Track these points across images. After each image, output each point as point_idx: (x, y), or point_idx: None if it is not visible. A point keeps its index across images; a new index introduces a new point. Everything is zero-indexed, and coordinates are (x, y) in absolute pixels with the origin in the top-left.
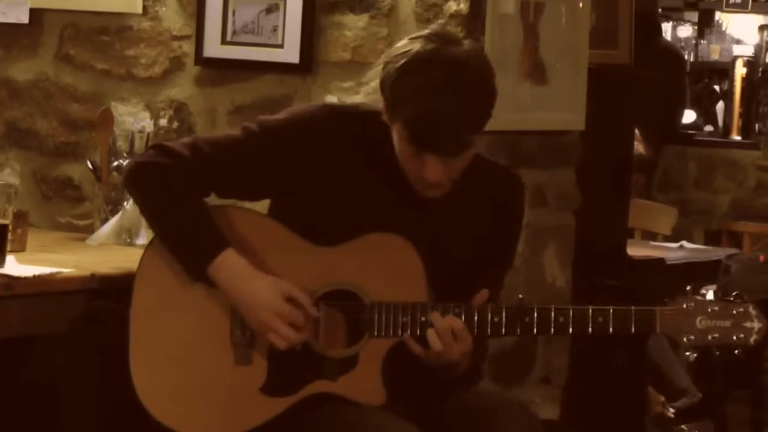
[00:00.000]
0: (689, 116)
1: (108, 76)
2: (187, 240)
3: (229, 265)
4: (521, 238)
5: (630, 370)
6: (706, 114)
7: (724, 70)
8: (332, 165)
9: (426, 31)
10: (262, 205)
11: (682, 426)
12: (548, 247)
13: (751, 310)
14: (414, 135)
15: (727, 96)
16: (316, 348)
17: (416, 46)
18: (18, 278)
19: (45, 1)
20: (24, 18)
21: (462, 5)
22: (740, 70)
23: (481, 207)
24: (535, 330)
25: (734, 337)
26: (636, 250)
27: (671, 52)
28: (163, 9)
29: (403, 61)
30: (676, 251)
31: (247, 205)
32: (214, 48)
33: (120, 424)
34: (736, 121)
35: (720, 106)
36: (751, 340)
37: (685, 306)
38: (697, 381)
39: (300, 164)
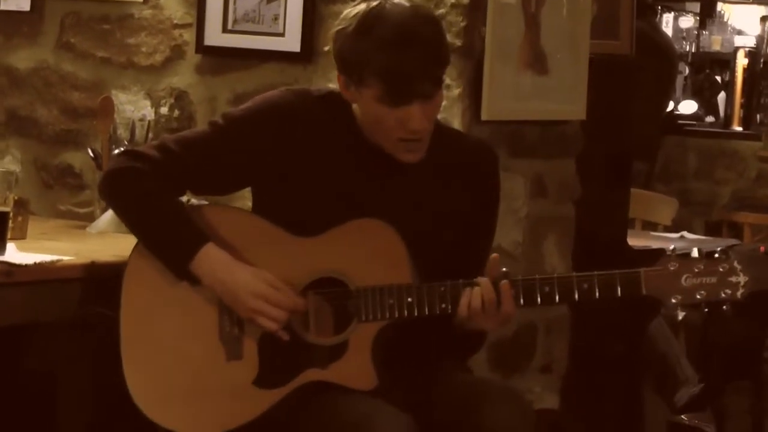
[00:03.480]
0: (690, 107)
1: (109, 64)
2: (167, 239)
3: (210, 259)
4: (501, 212)
5: (629, 359)
6: (708, 105)
7: (726, 61)
8: (302, 146)
9: None
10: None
11: (682, 416)
12: (548, 238)
13: (736, 265)
14: (391, 87)
15: (729, 87)
16: (305, 337)
17: (360, 8)
18: (19, 266)
19: None
20: (25, 5)
21: None
22: (742, 61)
23: (456, 178)
24: (521, 301)
25: (722, 293)
26: (636, 240)
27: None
28: None
29: (353, 25)
30: (676, 242)
31: (225, 199)
32: (215, 36)
33: (116, 414)
34: (737, 111)
35: (721, 96)
36: (738, 294)
37: (669, 266)
38: (696, 372)
39: (270, 150)
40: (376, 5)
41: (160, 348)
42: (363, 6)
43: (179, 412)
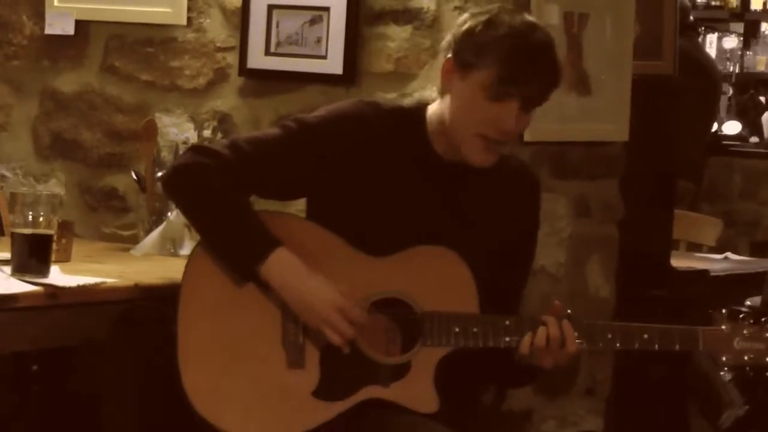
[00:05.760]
0: (734, 127)
1: (152, 87)
2: (237, 239)
3: (282, 263)
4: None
5: (673, 382)
6: (752, 125)
7: None
8: (370, 156)
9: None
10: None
11: None
12: (592, 258)
13: None
14: (507, 72)
15: None
16: (368, 353)
17: (493, 9)
18: (62, 288)
19: (90, 12)
20: (70, 29)
21: None
22: None
23: (502, 200)
24: (584, 344)
25: (767, 359)
26: (680, 261)
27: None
28: (208, 21)
29: (486, 17)
30: (720, 263)
31: (282, 205)
32: (257, 59)
33: None
34: None
35: (765, 117)
36: None
37: (723, 328)
38: (741, 394)
39: (340, 158)
40: (507, 12)
41: (220, 350)
42: (494, 9)
43: (234, 414)
